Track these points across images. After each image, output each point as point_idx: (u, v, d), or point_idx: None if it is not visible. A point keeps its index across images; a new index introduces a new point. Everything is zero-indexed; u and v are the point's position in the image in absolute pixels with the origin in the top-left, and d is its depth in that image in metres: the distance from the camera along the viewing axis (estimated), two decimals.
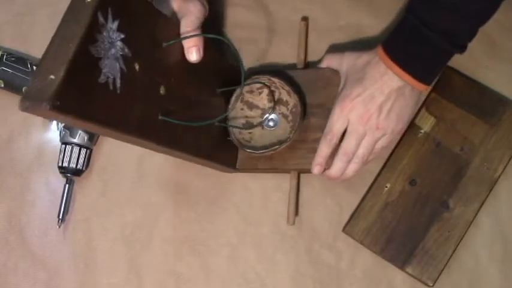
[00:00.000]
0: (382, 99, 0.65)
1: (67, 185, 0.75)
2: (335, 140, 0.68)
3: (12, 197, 0.76)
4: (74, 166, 0.74)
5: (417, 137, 0.74)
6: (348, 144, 0.67)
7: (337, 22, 0.81)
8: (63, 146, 0.74)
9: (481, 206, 0.71)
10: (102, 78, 0.50)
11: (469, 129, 0.73)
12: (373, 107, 0.65)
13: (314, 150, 0.70)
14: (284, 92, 0.72)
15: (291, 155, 0.71)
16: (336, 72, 0.73)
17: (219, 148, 0.71)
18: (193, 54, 0.62)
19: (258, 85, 0.73)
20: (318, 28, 0.80)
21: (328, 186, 0.74)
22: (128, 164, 0.77)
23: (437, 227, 0.70)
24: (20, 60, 0.77)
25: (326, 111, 0.71)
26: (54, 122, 0.76)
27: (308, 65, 0.78)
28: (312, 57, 0.78)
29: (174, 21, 0.62)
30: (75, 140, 0.74)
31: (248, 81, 0.72)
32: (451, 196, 0.71)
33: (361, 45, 0.79)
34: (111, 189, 0.76)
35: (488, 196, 0.71)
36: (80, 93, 0.48)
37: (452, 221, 0.70)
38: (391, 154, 0.74)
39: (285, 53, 0.79)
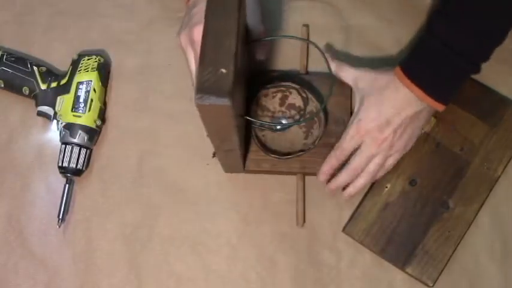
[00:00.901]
0: (397, 123, 0.66)
1: (67, 185, 0.74)
2: (344, 156, 0.69)
3: (12, 197, 0.76)
4: (74, 166, 0.74)
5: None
6: (358, 161, 0.68)
7: (339, 23, 0.81)
8: (63, 146, 0.74)
9: (481, 206, 0.71)
10: (237, 73, 0.50)
11: (469, 129, 0.73)
12: (388, 131, 0.66)
13: (320, 155, 0.71)
14: (299, 98, 0.73)
15: (297, 158, 0.71)
16: (344, 83, 0.74)
17: (245, 148, 0.73)
18: (263, 53, 0.63)
19: (274, 89, 0.73)
20: (319, 29, 0.80)
21: None
22: (128, 164, 0.77)
23: (437, 227, 0.70)
24: (20, 60, 0.77)
25: (332, 118, 0.72)
26: (54, 122, 0.76)
27: (308, 72, 0.78)
28: (313, 60, 0.78)
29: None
30: (75, 140, 0.74)
31: (268, 85, 0.73)
32: (451, 196, 0.71)
33: (361, 46, 0.79)
34: (111, 189, 0.76)
35: (488, 196, 0.71)
36: (236, 89, 0.48)
37: (452, 221, 0.70)
38: None
39: (285, 52, 0.79)
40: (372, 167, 0.68)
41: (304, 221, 0.72)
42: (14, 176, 0.77)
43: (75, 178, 0.76)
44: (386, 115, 0.65)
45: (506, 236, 0.71)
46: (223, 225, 0.73)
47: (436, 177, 0.72)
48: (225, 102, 0.46)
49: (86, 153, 0.75)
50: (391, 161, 0.69)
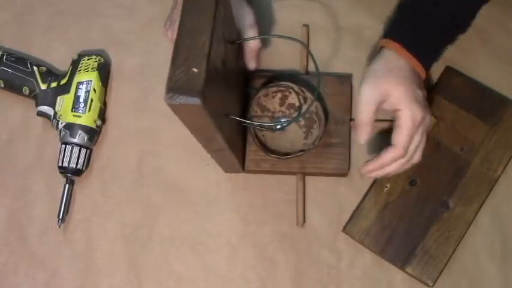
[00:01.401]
0: (425, 93, 0.66)
1: (67, 185, 0.74)
2: (404, 155, 0.64)
3: (12, 197, 0.76)
4: (74, 166, 0.74)
5: None
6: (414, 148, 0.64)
7: (337, 23, 0.81)
8: (63, 146, 0.74)
9: (481, 206, 0.71)
10: (213, 73, 0.50)
11: (469, 129, 0.73)
12: (428, 108, 0.65)
13: (319, 155, 0.71)
14: (299, 98, 0.73)
15: (296, 158, 0.71)
16: (341, 80, 0.74)
17: (242, 147, 0.73)
18: (253, 62, 0.65)
19: (274, 89, 0.73)
20: (318, 29, 0.80)
21: (329, 186, 0.74)
22: (128, 164, 0.77)
23: (437, 227, 0.70)
24: (20, 60, 0.77)
25: (332, 118, 0.73)
26: (54, 122, 0.76)
27: (308, 72, 0.78)
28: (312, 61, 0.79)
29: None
30: (75, 140, 0.74)
31: (268, 85, 0.73)
32: (451, 196, 0.71)
33: (359, 46, 0.79)
34: (111, 189, 0.76)
35: (488, 196, 0.71)
36: (212, 88, 0.48)
37: (452, 221, 0.70)
38: None
39: (285, 52, 0.79)
40: (419, 153, 0.66)
41: (304, 221, 0.72)
42: (14, 176, 0.77)
43: (75, 178, 0.76)
44: (419, 89, 0.64)
45: (506, 236, 0.71)
46: (223, 225, 0.73)
47: (436, 177, 0.72)
48: (196, 101, 0.46)
49: (86, 153, 0.75)
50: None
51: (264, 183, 0.75)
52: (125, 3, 0.84)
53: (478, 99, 0.75)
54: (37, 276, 0.73)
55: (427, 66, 0.66)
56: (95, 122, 0.75)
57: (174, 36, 0.50)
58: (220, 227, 0.73)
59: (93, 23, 0.83)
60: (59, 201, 0.74)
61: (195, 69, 0.46)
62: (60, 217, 0.74)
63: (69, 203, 0.75)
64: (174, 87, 0.46)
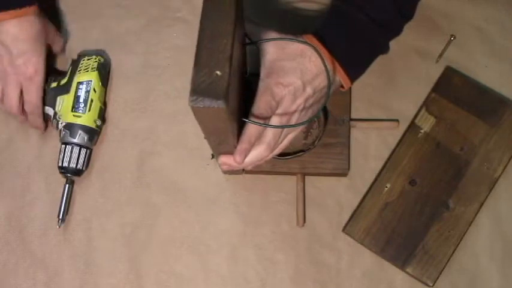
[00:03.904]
0: (309, 93, 0.60)
1: (67, 185, 0.74)
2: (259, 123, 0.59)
3: (12, 197, 0.76)
4: (74, 166, 0.74)
5: (417, 137, 0.74)
6: (273, 135, 0.61)
7: None
8: (63, 146, 0.74)
9: (481, 206, 0.71)
10: (232, 75, 0.50)
11: (469, 129, 0.73)
12: (300, 99, 0.60)
13: (318, 155, 0.71)
14: None
15: (296, 159, 0.72)
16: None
17: None
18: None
19: None
20: None
21: (329, 186, 0.74)
22: (128, 164, 0.77)
23: (437, 227, 0.70)
24: None
25: (331, 118, 0.73)
26: (54, 122, 0.76)
27: None
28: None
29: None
30: (75, 140, 0.74)
31: None
32: (451, 196, 0.71)
33: None
34: (111, 189, 0.76)
35: (488, 196, 0.71)
36: (231, 91, 0.48)
37: (452, 221, 0.70)
38: (391, 154, 0.74)
39: None
40: (286, 141, 0.64)
41: (304, 221, 0.72)
42: (14, 176, 0.77)
43: (75, 178, 0.76)
44: (301, 81, 0.59)
45: (506, 236, 0.71)
46: (223, 225, 0.73)
47: (436, 177, 0.72)
48: (220, 104, 0.46)
49: (86, 153, 0.75)
50: (291, 136, 0.64)
51: (264, 184, 0.75)
52: (125, 3, 0.84)
53: (478, 99, 0.75)
54: (37, 276, 0.73)
55: (351, 76, 0.63)
56: (95, 122, 0.75)
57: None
58: (220, 227, 0.73)
59: (93, 23, 0.83)
60: (59, 201, 0.74)
61: (218, 72, 0.47)
62: (60, 217, 0.74)
63: (69, 203, 0.75)
64: (198, 90, 0.46)
